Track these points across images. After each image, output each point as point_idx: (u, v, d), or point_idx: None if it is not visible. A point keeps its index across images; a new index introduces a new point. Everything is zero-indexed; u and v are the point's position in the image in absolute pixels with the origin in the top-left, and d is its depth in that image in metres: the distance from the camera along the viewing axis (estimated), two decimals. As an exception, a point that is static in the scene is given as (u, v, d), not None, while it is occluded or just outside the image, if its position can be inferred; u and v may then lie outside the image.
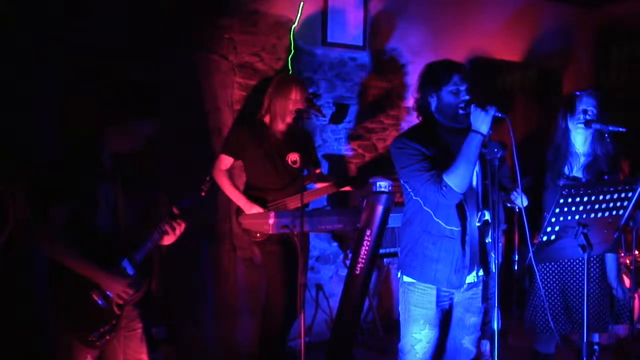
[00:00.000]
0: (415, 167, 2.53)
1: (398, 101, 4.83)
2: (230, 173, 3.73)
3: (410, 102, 4.79)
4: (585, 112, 3.18)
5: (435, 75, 2.60)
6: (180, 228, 2.54)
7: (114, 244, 2.44)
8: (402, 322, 2.74)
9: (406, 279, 2.69)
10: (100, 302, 2.40)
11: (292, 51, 4.20)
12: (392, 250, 4.23)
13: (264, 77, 4.13)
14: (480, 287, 2.70)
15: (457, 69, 2.57)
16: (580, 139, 3.25)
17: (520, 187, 2.49)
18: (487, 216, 2.63)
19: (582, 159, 3.25)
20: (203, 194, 2.69)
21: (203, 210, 3.89)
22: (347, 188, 3.80)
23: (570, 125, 3.23)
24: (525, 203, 2.85)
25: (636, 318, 3.81)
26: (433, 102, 2.60)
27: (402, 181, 2.71)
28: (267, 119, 3.66)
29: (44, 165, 2.45)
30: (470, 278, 2.65)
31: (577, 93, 3.27)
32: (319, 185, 3.82)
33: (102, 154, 2.44)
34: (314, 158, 3.90)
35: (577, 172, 3.24)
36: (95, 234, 2.39)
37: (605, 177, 3.22)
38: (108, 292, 2.41)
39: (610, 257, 3.26)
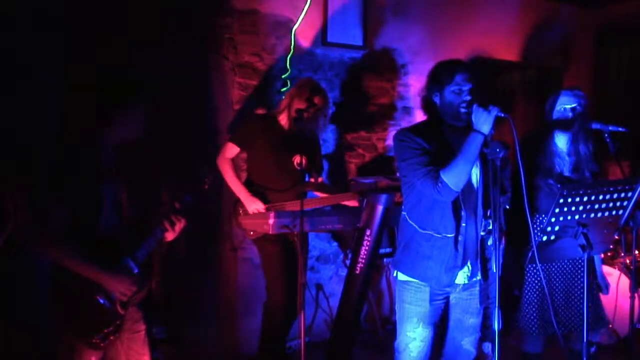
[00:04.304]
0: (414, 161, 2.55)
1: (398, 101, 4.83)
2: (234, 164, 3.74)
3: (410, 102, 4.82)
4: (573, 110, 3.20)
5: (439, 74, 2.62)
6: (180, 224, 2.54)
7: (117, 243, 2.43)
8: (398, 321, 2.76)
9: (401, 276, 2.70)
10: (103, 302, 2.39)
11: (292, 51, 4.20)
12: (392, 250, 4.23)
13: (264, 77, 4.14)
14: (478, 289, 2.70)
15: (460, 70, 2.58)
16: (563, 139, 3.27)
17: (524, 187, 2.47)
18: (491, 225, 2.63)
19: (567, 159, 3.27)
20: (206, 186, 2.68)
21: (203, 211, 3.89)
22: (354, 203, 3.78)
23: (553, 125, 3.25)
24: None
25: (636, 318, 3.82)
26: (437, 101, 2.62)
27: (400, 176, 2.71)
28: (281, 118, 3.66)
29: (45, 166, 2.45)
30: (462, 279, 2.65)
31: (558, 92, 3.29)
32: (320, 194, 3.82)
33: (103, 153, 2.44)
34: (318, 164, 3.90)
35: (565, 172, 3.26)
36: (98, 234, 2.39)
37: (587, 174, 3.25)
38: (111, 292, 2.41)
39: (595, 257, 3.34)
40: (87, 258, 2.34)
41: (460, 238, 2.58)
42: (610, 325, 4.14)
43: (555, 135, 3.28)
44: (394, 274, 2.76)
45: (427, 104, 2.67)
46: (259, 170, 3.69)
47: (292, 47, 4.21)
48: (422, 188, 2.55)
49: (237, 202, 3.66)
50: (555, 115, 3.25)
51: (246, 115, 4.01)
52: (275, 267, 3.64)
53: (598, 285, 3.41)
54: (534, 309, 3.29)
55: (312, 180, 3.88)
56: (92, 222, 2.37)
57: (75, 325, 2.38)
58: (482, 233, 2.62)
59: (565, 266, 3.28)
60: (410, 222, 2.66)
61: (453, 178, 2.46)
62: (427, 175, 2.51)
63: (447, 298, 2.72)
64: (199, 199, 2.65)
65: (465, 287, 2.68)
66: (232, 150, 3.68)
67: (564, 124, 3.23)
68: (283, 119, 3.66)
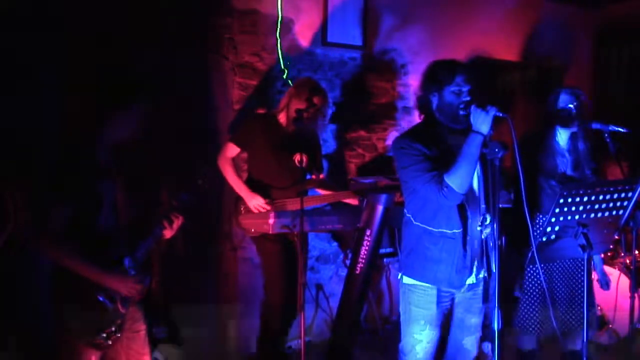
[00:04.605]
0: (416, 168, 2.53)
1: (398, 101, 4.83)
2: (235, 162, 3.74)
3: (410, 102, 4.81)
4: (575, 107, 3.21)
5: (439, 74, 2.60)
6: (177, 222, 2.56)
7: (116, 243, 2.44)
8: (403, 323, 2.74)
9: (407, 280, 2.69)
10: (105, 303, 2.40)
11: (279, 51, 4.19)
12: (392, 250, 4.23)
13: (264, 77, 4.14)
14: (481, 288, 2.70)
15: (460, 70, 2.57)
16: (564, 137, 3.28)
17: (523, 187, 2.47)
18: (489, 220, 2.64)
19: (568, 157, 3.27)
20: (203, 184, 2.70)
21: (203, 210, 3.89)
22: (355, 201, 3.77)
23: (555, 120, 3.26)
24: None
25: (636, 318, 3.81)
26: (434, 101, 2.60)
27: (401, 181, 2.70)
28: (281, 116, 3.67)
29: (44, 166, 2.45)
30: (471, 279, 2.65)
31: (558, 90, 3.29)
32: (321, 191, 3.83)
33: (102, 152, 2.44)
34: (318, 163, 3.90)
35: (568, 171, 3.27)
36: (97, 233, 2.38)
37: (588, 171, 3.27)
38: (113, 292, 2.41)
39: (596, 257, 3.34)
40: (88, 258, 2.35)
41: (468, 239, 2.58)
42: (610, 325, 4.14)
43: (557, 133, 3.28)
44: (399, 277, 2.75)
45: (423, 104, 2.66)
46: (260, 169, 3.70)
47: (278, 46, 4.20)
48: (426, 194, 2.53)
49: (238, 200, 3.66)
50: (560, 113, 3.25)
51: (246, 115, 4.01)
52: (275, 266, 3.64)
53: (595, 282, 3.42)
54: (534, 309, 3.29)
55: (314, 177, 3.88)
56: (92, 221, 2.37)
57: (77, 326, 2.38)
58: (479, 227, 2.61)
59: (566, 265, 3.28)
60: (417, 223, 2.65)
61: (457, 180, 2.45)
62: (431, 181, 2.49)
63: (453, 299, 2.71)
64: (197, 197, 2.66)
65: (470, 286, 2.67)
66: (232, 150, 3.68)
67: (566, 120, 3.22)
68: (282, 118, 3.66)
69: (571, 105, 3.22)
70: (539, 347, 3.47)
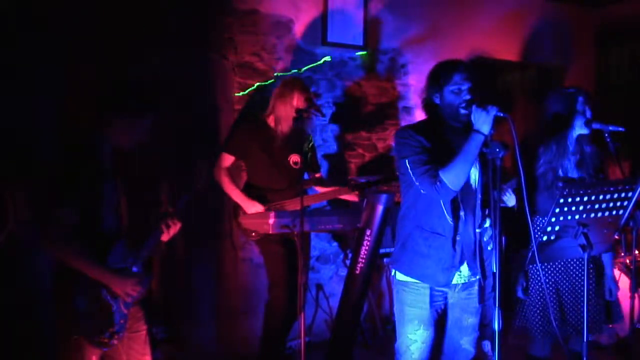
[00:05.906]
0: (414, 159, 2.54)
1: (398, 101, 4.83)
2: (231, 171, 3.74)
3: (410, 102, 4.82)
4: (583, 111, 3.21)
5: (438, 74, 2.62)
6: (175, 227, 2.58)
7: (118, 243, 2.44)
8: (397, 323, 2.74)
9: (399, 276, 2.69)
10: (110, 302, 2.41)
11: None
12: (392, 249, 4.22)
13: (264, 77, 4.14)
14: (477, 288, 2.69)
15: (458, 69, 2.58)
16: (572, 138, 3.28)
17: (524, 187, 2.47)
18: (488, 223, 2.63)
19: (572, 158, 3.27)
20: (196, 190, 2.71)
21: (204, 210, 3.89)
22: (353, 197, 3.77)
23: (572, 125, 3.25)
24: (513, 202, 2.88)
25: (636, 318, 3.81)
26: (437, 102, 2.63)
27: (400, 173, 2.71)
28: (270, 120, 3.67)
29: (46, 166, 2.45)
30: (461, 278, 2.65)
31: (574, 92, 3.28)
32: (320, 189, 3.82)
33: (102, 153, 2.44)
34: (314, 162, 3.90)
35: (571, 172, 3.27)
36: (100, 233, 2.39)
37: (592, 171, 3.26)
38: (117, 292, 2.42)
39: (607, 256, 3.29)
40: (91, 258, 2.35)
41: (458, 238, 2.58)
42: (610, 325, 4.13)
43: (571, 135, 3.26)
44: (392, 274, 2.75)
45: (428, 106, 2.67)
46: (257, 174, 3.70)
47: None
48: (420, 186, 2.55)
49: (238, 204, 3.66)
50: (577, 114, 3.23)
51: (236, 123, 3.98)
52: (279, 268, 3.64)
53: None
54: (537, 311, 3.28)
55: (311, 177, 3.88)
56: (95, 223, 2.38)
57: (78, 325, 2.38)
58: (478, 230, 2.61)
59: (570, 266, 3.27)
60: (408, 220, 2.66)
61: (452, 177, 2.46)
62: (425, 173, 2.50)
63: (446, 299, 2.71)
64: (196, 198, 2.66)
65: (465, 286, 2.67)
66: (227, 160, 3.69)
67: (586, 122, 3.21)
68: (272, 121, 3.66)
69: (589, 107, 3.22)
70: (550, 352, 3.44)
